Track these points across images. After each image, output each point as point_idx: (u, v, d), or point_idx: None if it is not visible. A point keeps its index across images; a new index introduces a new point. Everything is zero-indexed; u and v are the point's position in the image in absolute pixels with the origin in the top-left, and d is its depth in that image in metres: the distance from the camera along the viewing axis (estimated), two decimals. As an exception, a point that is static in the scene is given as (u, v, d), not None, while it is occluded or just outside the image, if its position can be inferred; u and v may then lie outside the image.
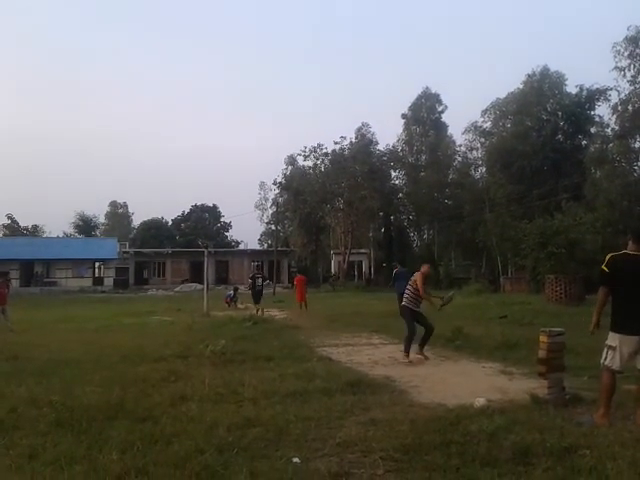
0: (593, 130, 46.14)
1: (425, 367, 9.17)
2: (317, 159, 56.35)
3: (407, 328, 10.12)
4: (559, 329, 6.61)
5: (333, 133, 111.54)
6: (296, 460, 4.36)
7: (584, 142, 47.02)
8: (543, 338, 6.36)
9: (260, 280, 21.43)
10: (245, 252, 63.88)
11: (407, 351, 9.86)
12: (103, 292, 50.37)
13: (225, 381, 7.37)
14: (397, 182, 61.69)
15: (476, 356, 10.05)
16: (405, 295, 10.40)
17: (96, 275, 57.59)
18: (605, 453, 4.22)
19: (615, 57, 36.19)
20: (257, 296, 20.69)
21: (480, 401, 6.14)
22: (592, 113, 46.19)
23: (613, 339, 5.50)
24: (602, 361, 5.58)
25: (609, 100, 42.95)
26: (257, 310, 19.76)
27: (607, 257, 5.70)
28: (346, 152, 55.18)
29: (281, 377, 7.68)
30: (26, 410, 5.90)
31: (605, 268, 5.62)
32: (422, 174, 58.85)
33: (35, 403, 6.16)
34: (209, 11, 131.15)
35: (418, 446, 4.57)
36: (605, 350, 5.56)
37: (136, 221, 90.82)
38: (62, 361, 9.40)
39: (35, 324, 17.32)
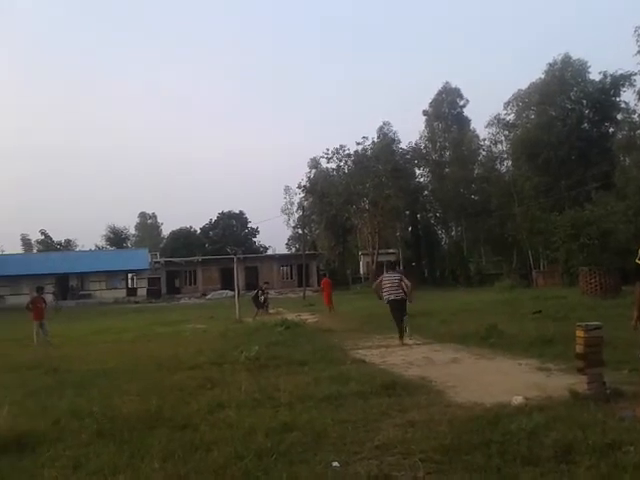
0: (619, 117, 45.31)
1: (461, 366, 9.08)
2: (340, 161, 56.36)
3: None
4: (596, 323, 6.49)
5: (355, 134, 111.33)
6: (335, 464, 4.37)
7: (611, 129, 46.19)
8: (580, 333, 6.24)
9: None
10: (274, 257, 64.22)
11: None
12: (137, 302, 51.12)
13: (260, 386, 7.41)
14: (422, 180, 61.37)
15: (511, 353, 9.91)
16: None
17: (129, 286, 58.51)
18: (650, 449, 4.13)
19: (638, 41, 35.46)
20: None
21: (518, 399, 6.07)
22: (617, 99, 45.34)
23: None
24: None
25: (634, 85, 42.15)
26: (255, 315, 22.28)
27: None
28: (369, 152, 55.05)
29: (316, 381, 7.69)
30: (68, 422, 6.03)
31: (639, 261, 5.50)
32: (447, 170, 58.42)
33: (77, 414, 6.28)
34: (232, 15, 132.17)
35: (457, 446, 4.53)
36: None
37: (165, 231, 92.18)
38: (100, 372, 9.57)
39: (73, 337, 17.65)
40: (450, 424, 5.20)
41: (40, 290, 17.32)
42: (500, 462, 4.14)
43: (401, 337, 12.45)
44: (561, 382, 6.99)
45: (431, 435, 4.91)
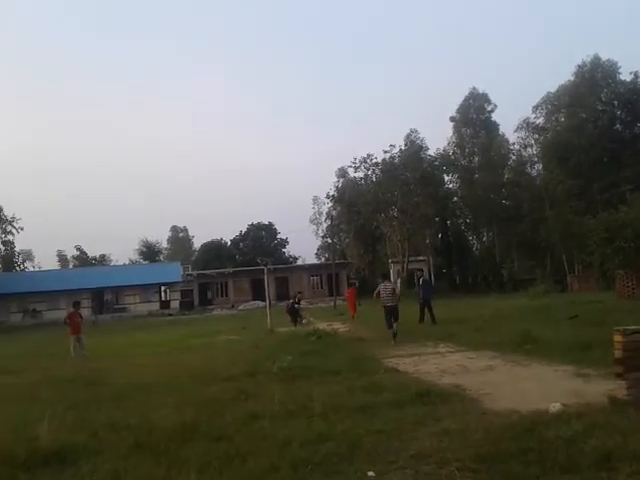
0: (652, 117, 44.39)
1: (496, 374, 8.97)
2: (368, 169, 56.31)
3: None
4: (634, 327, 6.35)
5: (382, 142, 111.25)
6: (371, 474, 4.36)
7: (643, 130, 45.26)
8: (618, 337, 6.12)
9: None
10: (303, 267, 64.40)
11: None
12: (170, 315, 51.75)
13: (294, 397, 7.43)
14: (451, 186, 61.01)
15: (547, 359, 9.74)
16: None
17: (162, 299, 59.30)
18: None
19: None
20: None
21: (555, 406, 5.97)
22: (650, 99, 44.46)
23: None
24: None
25: (667, 84, 41.29)
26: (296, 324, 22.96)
27: None
28: (396, 160, 54.91)
29: (349, 391, 7.69)
30: (107, 434, 6.13)
31: None
32: (476, 176, 57.98)
33: (114, 427, 6.39)
34: (263, 26, 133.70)
35: (494, 455, 4.48)
36: None
37: (197, 244, 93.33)
38: (137, 385, 9.71)
39: (109, 350, 17.96)
40: (486, 432, 5.14)
41: (77, 305, 17.63)
42: (538, 470, 4.09)
43: (394, 337, 14.65)
44: (599, 388, 6.85)
45: (467, 443, 4.85)
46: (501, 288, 47.49)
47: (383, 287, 15.56)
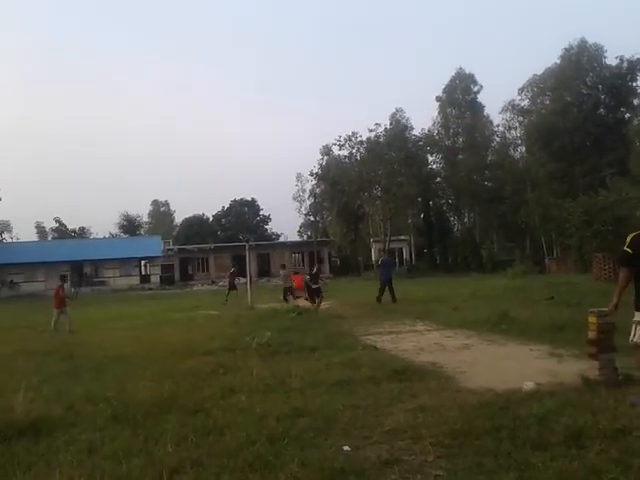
0: (636, 102, 44.82)
1: (472, 352, 9.09)
2: (352, 148, 56.06)
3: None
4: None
5: (367, 121, 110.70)
6: (346, 448, 4.41)
7: (627, 115, 45.70)
8: (592, 319, 6.23)
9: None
10: (285, 244, 64.27)
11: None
12: (150, 289, 51.50)
13: (272, 372, 7.46)
14: (434, 166, 60.97)
15: (523, 339, 9.91)
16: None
17: (143, 273, 58.93)
18: (661, 434, 4.13)
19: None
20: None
21: (529, 385, 6.07)
22: (634, 84, 44.83)
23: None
24: (631, 339, 5.51)
25: (651, 70, 41.55)
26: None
27: (629, 238, 5.55)
28: (381, 139, 54.72)
29: (327, 367, 7.74)
30: (83, 407, 6.12)
31: (628, 249, 5.48)
32: (460, 157, 58.08)
33: (92, 400, 6.37)
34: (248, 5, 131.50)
35: (468, 431, 4.55)
36: (634, 327, 5.50)
37: (178, 218, 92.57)
38: (115, 358, 9.67)
39: (88, 323, 17.82)
40: (461, 409, 5.22)
41: (63, 278, 17.46)
42: (510, 447, 4.17)
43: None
44: (573, 368, 6.99)
45: (442, 420, 4.93)
46: (480, 268, 47.98)
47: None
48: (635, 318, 5.49)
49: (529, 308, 14.34)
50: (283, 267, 27.66)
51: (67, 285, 47.04)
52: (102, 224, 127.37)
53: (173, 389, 6.65)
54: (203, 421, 5.24)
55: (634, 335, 5.47)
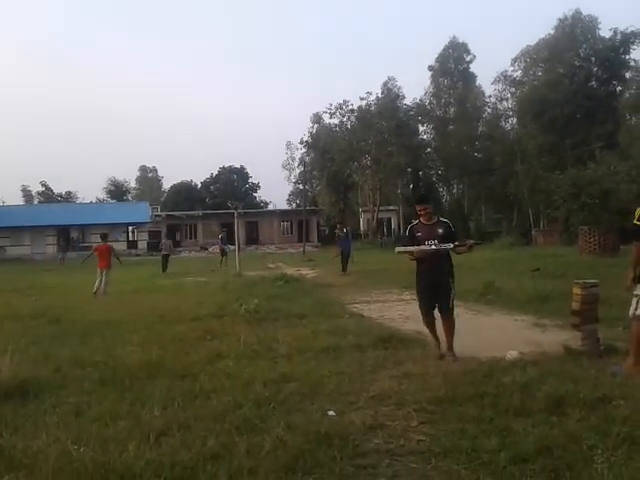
0: (628, 75, 44.62)
1: (457, 321, 9.14)
2: (343, 116, 55.75)
3: None
4: (593, 280, 6.55)
5: (359, 89, 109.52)
6: (331, 413, 4.47)
7: (619, 88, 45.50)
8: (577, 290, 6.31)
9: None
10: (274, 212, 64.12)
11: None
12: (138, 255, 51.34)
13: (259, 339, 7.50)
14: (425, 137, 60.86)
15: (508, 309, 10.02)
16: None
17: (130, 239, 58.65)
18: (640, 403, 4.22)
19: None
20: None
21: (513, 354, 6.16)
22: (627, 57, 44.59)
23: None
24: (631, 311, 5.54)
25: (644, 43, 41.30)
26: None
27: (638, 211, 5.54)
28: (372, 108, 54.38)
29: (314, 334, 7.78)
30: (70, 370, 6.11)
31: (638, 223, 5.48)
32: (451, 127, 57.85)
33: (79, 363, 6.37)
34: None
35: (451, 398, 4.63)
36: (635, 300, 5.51)
37: (166, 185, 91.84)
38: (103, 322, 9.65)
39: (76, 287, 17.80)
40: (445, 377, 5.29)
41: (105, 237, 17.05)
42: (493, 413, 4.24)
43: None
44: (556, 338, 7.09)
45: (425, 387, 5.00)
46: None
47: None
48: (636, 291, 5.49)
49: (515, 279, 14.47)
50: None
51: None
52: (89, 189, 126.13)
53: (160, 354, 6.67)
54: (190, 385, 5.27)
55: (636, 308, 5.48)
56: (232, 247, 27.76)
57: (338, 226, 24.90)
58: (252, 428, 4.07)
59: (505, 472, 3.29)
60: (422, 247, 6.45)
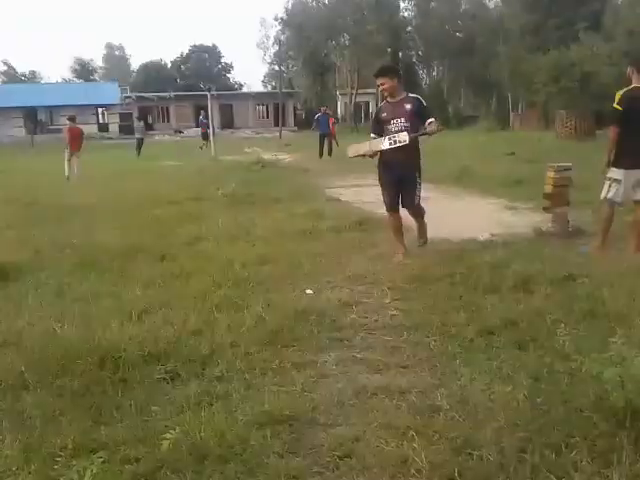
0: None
1: (432, 205, 9.23)
2: (320, -10, 52.69)
3: None
4: (566, 164, 6.62)
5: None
6: (309, 292, 4.62)
7: (608, -36, 43.31)
8: (550, 173, 6.40)
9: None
10: (249, 95, 62.11)
11: None
12: (110, 138, 50.12)
13: (237, 222, 7.56)
14: (406, 14, 58.12)
15: (481, 193, 10.15)
16: None
17: (101, 121, 56.87)
18: (602, 281, 4.41)
19: None
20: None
21: (484, 235, 6.34)
22: None
23: (618, 174, 5.53)
24: (604, 194, 5.67)
25: None
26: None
27: (618, 95, 5.50)
28: (352, -20, 51.36)
29: (291, 217, 7.86)
30: (49, 252, 6.13)
31: (618, 107, 5.45)
32: (432, 5, 55.24)
33: (57, 246, 6.37)
34: None
35: (423, 277, 4.80)
36: (607, 184, 5.63)
37: (134, 64, 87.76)
38: (79, 206, 9.56)
39: (49, 171, 17.43)
40: (418, 257, 5.46)
41: (73, 119, 16.41)
42: (463, 291, 4.42)
43: None
44: (527, 220, 7.28)
45: (399, 267, 5.16)
46: (446, 124, 47.81)
47: None
48: (612, 175, 5.58)
49: (490, 163, 14.54)
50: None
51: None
52: (54, 69, 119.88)
53: (139, 236, 6.70)
54: (170, 267, 5.36)
55: (608, 191, 5.61)
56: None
57: (322, 109, 24.00)
58: (232, 306, 4.20)
59: (473, 344, 3.49)
60: (375, 142, 5.67)
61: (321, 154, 20.24)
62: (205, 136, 27.79)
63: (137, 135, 25.73)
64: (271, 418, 2.66)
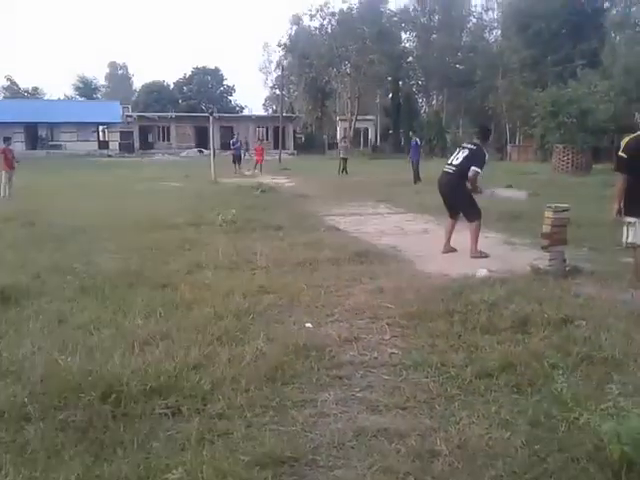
0: (615, -9, 43.27)
1: (431, 237, 9.39)
2: (324, 19, 53.63)
3: None
4: (565, 205, 6.71)
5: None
6: (309, 325, 4.65)
7: (606, 4, 44.38)
8: (548, 214, 6.47)
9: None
10: (250, 117, 62.71)
11: None
12: (109, 156, 50.32)
13: (237, 250, 7.57)
14: (407, 45, 59.06)
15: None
16: None
17: (101, 139, 57.17)
18: (600, 324, 4.45)
19: None
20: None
21: (482, 272, 6.38)
22: (616, -27, 43.04)
23: (632, 219, 5.70)
24: (624, 239, 5.80)
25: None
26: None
27: (623, 142, 5.64)
28: (354, 12, 52.21)
29: (291, 246, 7.89)
30: (50, 277, 6.10)
31: (623, 154, 5.57)
32: (434, 36, 56.22)
33: (57, 270, 6.35)
34: None
35: (423, 314, 4.82)
36: (625, 229, 5.77)
37: (137, 84, 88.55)
38: (78, 227, 9.56)
39: (47, 189, 17.47)
40: (417, 292, 5.48)
41: (7, 141, 17.00)
42: (461, 330, 4.45)
43: None
44: (524, 257, 7.32)
45: (399, 302, 5.19)
46: (444, 153, 48.18)
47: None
48: (627, 219, 5.75)
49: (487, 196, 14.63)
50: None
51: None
52: (56, 85, 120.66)
53: (139, 262, 6.72)
54: (170, 296, 5.34)
55: (627, 236, 5.76)
56: (206, 152, 27.34)
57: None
58: (233, 339, 4.21)
59: (471, 386, 3.52)
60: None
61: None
62: (236, 158, 28.40)
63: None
64: (272, 459, 2.67)
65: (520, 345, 4.07)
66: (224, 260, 6.93)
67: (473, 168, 7.51)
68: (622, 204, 5.79)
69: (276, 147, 47.78)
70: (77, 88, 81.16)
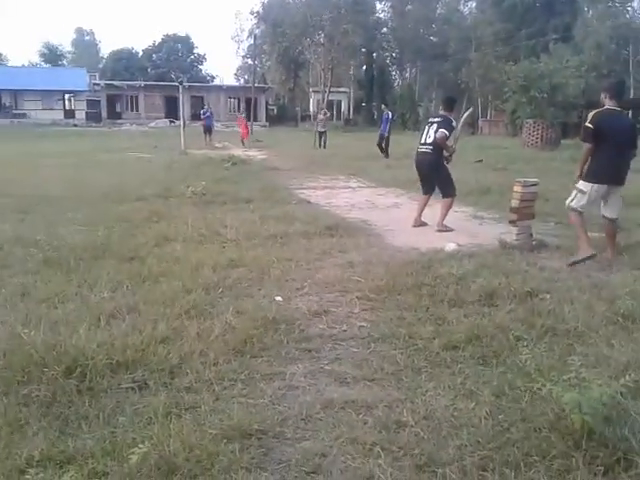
0: (591, -37, 43.31)
1: (401, 211, 9.43)
2: (297, -14, 52.52)
3: None
4: (534, 179, 6.80)
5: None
6: (279, 299, 4.64)
7: (580, -23, 44.36)
8: (517, 188, 6.55)
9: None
10: (221, 88, 61.58)
11: None
12: (76, 125, 49.14)
13: (207, 222, 7.48)
14: (382, 15, 58.47)
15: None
16: None
17: (67, 108, 55.69)
18: (564, 297, 4.56)
19: None
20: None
21: (451, 246, 6.44)
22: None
23: (585, 186, 5.95)
24: (568, 202, 6.07)
25: None
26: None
27: (590, 115, 5.92)
28: (330, -21, 51.36)
29: (261, 219, 7.80)
30: (13, 249, 5.97)
31: (590, 125, 5.79)
32: (409, 7, 55.71)
33: (21, 242, 6.21)
34: None
35: (392, 287, 4.85)
36: (574, 193, 6.03)
37: (104, 51, 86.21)
38: (43, 198, 9.37)
39: (9, 158, 17.02)
40: (387, 266, 5.51)
41: None
42: (429, 303, 4.50)
43: None
44: (492, 231, 7.43)
45: (368, 275, 5.21)
46: (416, 126, 48.23)
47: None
48: (579, 186, 6.00)
49: (457, 170, 14.66)
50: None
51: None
52: (20, 52, 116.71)
53: (106, 235, 6.59)
54: (138, 269, 5.25)
55: (572, 200, 6.04)
56: (176, 122, 26.86)
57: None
58: (201, 313, 4.18)
59: (438, 358, 3.57)
60: None
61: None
62: (207, 129, 27.44)
63: None
64: (240, 432, 2.68)
65: (486, 318, 4.13)
66: (193, 233, 6.84)
67: (441, 130, 7.65)
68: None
69: (248, 118, 47.20)
70: (42, 54, 78.70)
